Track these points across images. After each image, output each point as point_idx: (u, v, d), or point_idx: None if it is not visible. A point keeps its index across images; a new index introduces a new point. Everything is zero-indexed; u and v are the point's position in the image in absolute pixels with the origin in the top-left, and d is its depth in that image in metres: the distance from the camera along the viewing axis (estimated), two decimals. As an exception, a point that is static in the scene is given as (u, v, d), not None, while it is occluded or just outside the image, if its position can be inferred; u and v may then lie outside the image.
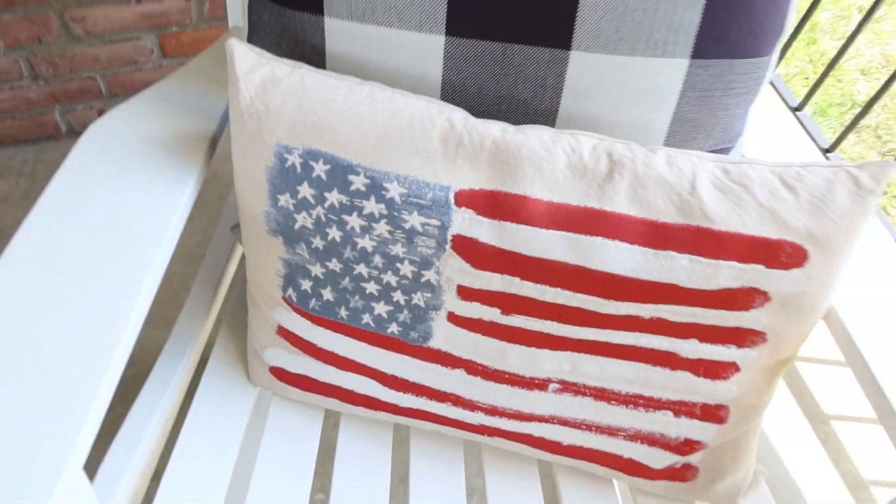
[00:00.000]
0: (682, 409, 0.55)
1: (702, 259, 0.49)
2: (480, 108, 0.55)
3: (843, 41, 2.64)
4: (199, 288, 0.70)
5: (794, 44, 2.46)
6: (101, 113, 1.36)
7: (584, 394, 0.55)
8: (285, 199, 0.51)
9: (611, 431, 0.57)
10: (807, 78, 2.30)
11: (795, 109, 1.36)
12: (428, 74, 0.54)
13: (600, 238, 0.49)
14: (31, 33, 1.17)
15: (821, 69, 2.47)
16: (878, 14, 2.64)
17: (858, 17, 2.58)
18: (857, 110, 2.22)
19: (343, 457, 0.61)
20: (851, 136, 2.15)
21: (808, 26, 2.49)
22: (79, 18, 1.18)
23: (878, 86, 2.38)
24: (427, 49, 0.53)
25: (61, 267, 0.45)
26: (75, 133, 1.37)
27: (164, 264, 0.48)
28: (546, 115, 0.55)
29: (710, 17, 0.50)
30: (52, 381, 0.40)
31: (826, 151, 1.27)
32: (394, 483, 0.65)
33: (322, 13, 0.53)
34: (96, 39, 1.22)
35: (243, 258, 0.80)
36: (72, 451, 0.38)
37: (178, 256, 1.17)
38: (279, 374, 0.61)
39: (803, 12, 1.27)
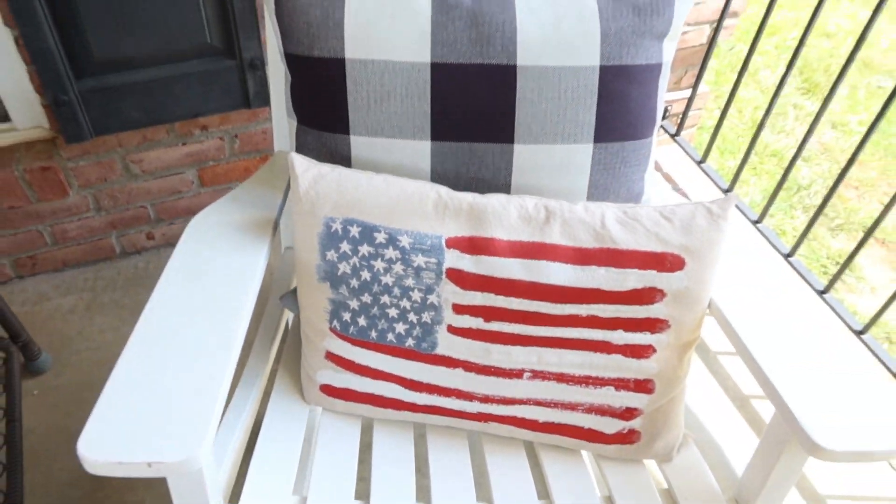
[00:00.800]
0: (620, 384, 0.77)
1: (614, 269, 0.73)
2: (458, 186, 0.80)
3: (781, 134, 2.97)
4: (260, 340, 0.93)
5: (739, 139, 2.80)
6: (149, 236, 1.63)
7: (549, 378, 0.77)
8: (331, 254, 0.75)
9: (572, 407, 0.78)
10: (754, 168, 2.61)
11: (726, 191, 1.65)
12: (421, 166, 0.80)
13: (545, 261, 0.73)
14: (99, 175, 1.46)
15: (766, 159, 2.80)
16: (811, 108, 3.01)
17: (794, 113, 2.95)
18: (802, 192, 2.52)
19: (378, 452, 0.82)
20: (802, 215, 2.44)
21: (749, 123, 2.85)
22: (137, 160, 1.48)
23: (819, 170, 2.69)
24: (420, 150, 0.79)
25: (194, 297, 0.69)
26: (127, 254, 1.63)
27: (254, 297, 0.71)
28: (503, 188, 0.80)
29: (601, 116, 0.77)
30: (199, 370, 0.62)
31: (755, 222, 1.54)
32: (417, 469, 0.84)
33: (349, 133, 0.80)
34: (150, 176, 1.51)
35: (289, 318, 1.03)
36: (212, 415, 0.59)
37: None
38: (327, 390, 0.83)
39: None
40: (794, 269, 1.39)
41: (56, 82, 1.26)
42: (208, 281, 0.72)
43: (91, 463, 0.55)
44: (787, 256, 1.42)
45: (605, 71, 0.77)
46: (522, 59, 0.77)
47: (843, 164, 1.33)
